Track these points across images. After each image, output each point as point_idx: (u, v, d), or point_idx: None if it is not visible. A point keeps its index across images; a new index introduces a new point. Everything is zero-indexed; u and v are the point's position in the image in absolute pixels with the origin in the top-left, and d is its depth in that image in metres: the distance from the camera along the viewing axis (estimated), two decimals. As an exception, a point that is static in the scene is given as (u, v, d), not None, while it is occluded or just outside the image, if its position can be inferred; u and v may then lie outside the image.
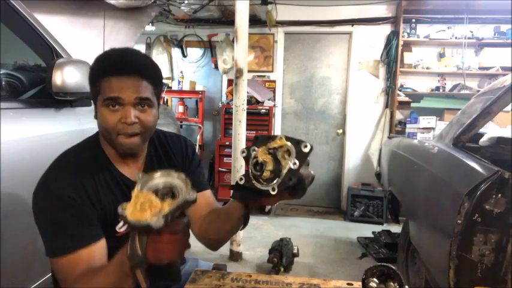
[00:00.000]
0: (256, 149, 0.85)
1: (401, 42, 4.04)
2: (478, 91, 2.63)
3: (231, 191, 0.95)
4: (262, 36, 4.46)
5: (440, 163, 1.76)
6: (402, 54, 4.11)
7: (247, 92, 3.17)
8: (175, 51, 4.76)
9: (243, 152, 0.87)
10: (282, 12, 4.28)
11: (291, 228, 3.79)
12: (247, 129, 2.99)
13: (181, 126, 4.47)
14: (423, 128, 3.51)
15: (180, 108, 4.55)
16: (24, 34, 1.49)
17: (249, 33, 2.95)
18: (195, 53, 4.77)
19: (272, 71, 4.52)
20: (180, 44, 4.70)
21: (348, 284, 0.98)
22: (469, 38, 3.96)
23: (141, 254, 0.70)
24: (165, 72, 4.66)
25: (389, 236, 3.35)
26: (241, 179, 0.86)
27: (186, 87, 4.48)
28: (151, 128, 0.98)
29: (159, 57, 4.61)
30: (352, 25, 4.28)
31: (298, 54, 4.55)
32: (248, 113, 3.05)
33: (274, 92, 4.48)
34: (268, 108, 4.17)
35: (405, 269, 2.25)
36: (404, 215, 2.46)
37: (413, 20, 4.10)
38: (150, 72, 0.96)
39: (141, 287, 0.72)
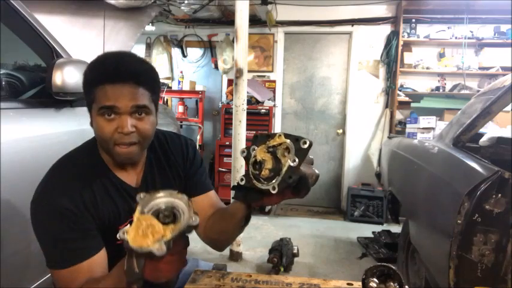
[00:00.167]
0: (255, 148, 0.84)
1: (401, 42, 4.05)
2: (478, 91, 2.63)
3: (233, 192, 0.94)
4: (262, 36, 4.46)
5: (440, 163, 1.76)
6: (402, 54, 4.11)
7: (247, 92, 3.17)
8: (175, 51, 4.76)
9: (243, 152, 0.86)
10: (282, 12, 4.28)
11: (291, 228, 3.79)
12: (247, 129, 2.99)
13: (181, 126, 4.47)
14: (423, 128, 3.51)
15: (180, 108, 4.55)
16: (24, 34, 1.49)
17: (249, 33, 2.95)
18: (195, 53, 4.77)
19: (272, 71, 4.52)
20: (180, 44, 4.70)
21: (348, 284, 0.98)
22: (469, 38, 3.97)
23: (138, 271, 0.69)
24: (165, 72, 4.66)
25: (389, 236, 3.35)
26: (241, 180, 0.85)
27: (186, 87, 4.48)
28: (149, 136, 0.95)
29: (159, 57, 4.61)
30: (352, 25, 4.28)
31: (298, 54, 4.55)
32: (248, 113, 3.05)
33: (274, 92, 4.48)
34: (268, 108, 4.17)
35: (405, 269, 2.25)
36: (404, 215, 2.46)
37: (413, 20, 4.11)
38: (147, 79, 0.93)
39: None
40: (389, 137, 3.52)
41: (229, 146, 3.30)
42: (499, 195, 1.24)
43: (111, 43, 2.44)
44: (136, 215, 0.71)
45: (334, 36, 4.45)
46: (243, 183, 0.85)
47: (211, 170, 4.36)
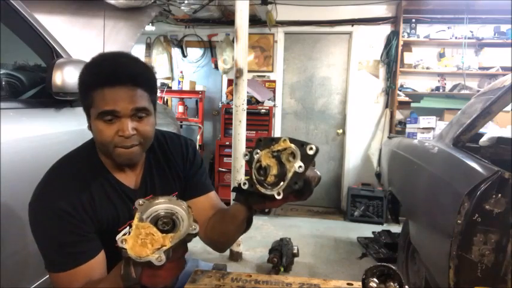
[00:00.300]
0: (259, 152, 0.83)
1: (401, 42, 4.05)
2: (478, 91, 2.63)
3: (233, 193, 0.93)
4: (262, 36, 4.46)
5: (440, 163, 1.76)
6: (402, 54, 4.11)
7: (247, 92, 3.17)
8: (175, 51, 4.76)
9: (245, 155, 0.85)
10: (282, 12, 4.28)
11: (291, 228, 3.79)
12: (247, 129, 2.99)
13: (181, 126, 4.47)
14: (423, 128, 3.51)
15: (180, 108, 4.55)
16: (24, 34, 1.49)
17: (249, 33, 2.95)
18: (195, 53, 4.77)
19: (272, 71, 4.52)
20: (180, 44, 4.70)
21: (348, 284, 0.98)
22: (469, 38, 3.96)
23: (135, 277, 0.69)
24: (165, 72, 4.66)
25: (389, 236, 3.35)
26: (244, 184, 0.84)
27: (186, 87, 4.48)
28: (150, 137, 0.94)
29: (159, 57, 4.61)
30: (352, 25, 4.28)
31: (298, 54, 4.55)
32: (248, 113, 3.05)
33: (274, 92, 4.48)
34: (268, 108, 4.17)
35: (405, 269, 2.25)
36: (404, 215, 2.46)
37: (413, 20, 4.10)
38: (145, 80, 0.91)
39: None
40: (389, 137, 3.52)
41: (229, 146, 3.30)
42: (499, 195, 1.24)
43: (111, 43, 2.44)
44: (135, 222, 0.70)
45: (334, 36, 4.45)
46: (245, 187, 0.83)
47: (211, 170, 4.36)
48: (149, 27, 4.23)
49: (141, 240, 0.67)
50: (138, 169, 1.01)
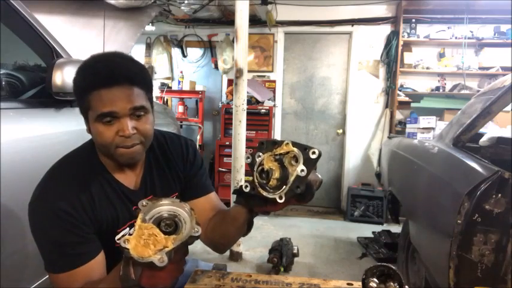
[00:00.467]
0: (261, 155, 0.83)
1: (401, 42, 4.05)
2: (478, 91, 2.63)
3: (234, 195, 0.93)
4: (262, 36, 4.46)
5: (440, 163, 1.76)
6: (402, 54, 4.11)
7: (247, 92, 3.17)
8: (175, 51, 4.76)
9: (247, 157, 0.85)
10: (282, 12, 4.28)
11: (291, 228, 3.79)
12: (247, 129, 2.99)
13: (181, 126, 4.47)
14: (423, 128, 3.51)
15: (180, 108, 4.55)
16: (24, 34, 1.49)
17: (249, 33, 2.95)
18: (195, 53, 4.77)
19: (272, 71, 4.52)
20: (180, 44, 4.70)
21: (348, 284, 0.98)
22: (469, 38, 3.96)
23: (134, 278, 0.69)
24: (165, 72, 4.66)
25: (389, 236, 3.35)
26: (246, 186, 0.84)
27: (186, 87, 4.48)
28: (150, 136, 0.94)
29: (159, 57, 4.61)
30: (352, 25, 4.28)
31: (298, 54, 4.55)
32: (248, 113, 3.05)
33: (274, 92, 4.48)
34: (268, 108, 4.17)
35: (405, 269, 2.25)
36: (404, 215, 2.46)
37: (413, 20, 4.10)
38: (141, 78, 0.91)
39: None
40: (389, 137, 3.52)
41: (229, 146, 3.30)
42: (499, 195, 1.24)
43: (111, 43, 2.44)
44: (138, 222, 0.70)
45: (334, 36, 4.45)
46: (247, 190, 0.83)
47: (211, 170, 4.36)
48: (149, 27, 4.23)
49: (143, 241, 0.68)
50: (138, 169, 1.01)
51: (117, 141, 0.88)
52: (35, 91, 1.57)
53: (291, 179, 0.77)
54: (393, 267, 0.81)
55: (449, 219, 1.34)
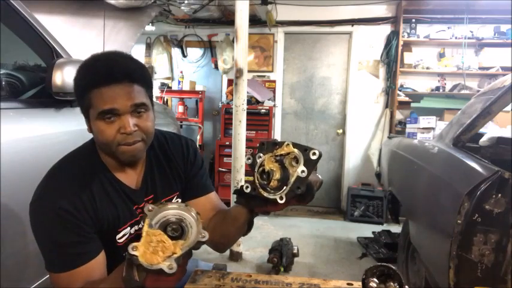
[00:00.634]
0: (262, 156, 0.83)
1: (401, 42, 4.05)
2: (478, 91, 2.63)
3: (234, 195, 0.93)
4: (262, 36, 4.46)
5: (440, 163, 1.76)
6: (402, 54, 4.11)
7: (247, 92, 3.17)
8: (175, 51, 4.76)
9: (248, 158, 0.85)
10: (282, 12, 4.28)
11: (291, 228, 3.79)
12: (247, 129, 2.99)
13: (181, 126, 4.47)
14: (423, 128, 3.51)
15: (180, 108, 4.55)
16: (24, 34, 1.49)
17: (249, 33, 2.95)
18: (195, 53, 4.77)
19: (272, 71, 4.52)
20: (180, 44, 4.70)
21: (348, 284, 0.98)
22: (469, 38, 3.97)
23: (138, 280, 0.69)
24: (165, 72, 4.66)
25: (389, 236, 3.35)
26: (247, 187, 0.84)
27: (186, 87, 4.48)
28: (151, 133, 0.94)
29: (159, 57, 4.61)
30: (352, 25, 4.28)
31: (298, 54, 4.55)
32: (248, 113, 3.05)
33: (274, 92, 4.48)
34: (268, 108, 4.17)
35: (405, 269, 2.25)
36: (404, 215, 2.46)
37: (413, 20, 4.10)
38: (140, 75, 0.91)
39: None
40: (389, 137, 3.52)
41: (229, 146, 3.30)
42: (499, 195, 1.24)
43: (111, 43, 2.44)
44: (145, 229, 0.70)
45: (334, 36, 4.45)
46: (248, 190, 0.84)
47: (211, 170, 4.36)
48: (149, 27, 4.23)
49: (152, 248, 0.68)
50: (139, 169, 1.01)
51: (118, 139, 0.88)
52: (35, 91, 1.57)
53: (292, 179, 0.78)
54: (393, 267, 0.81)
55: (449, 219, 1.34)
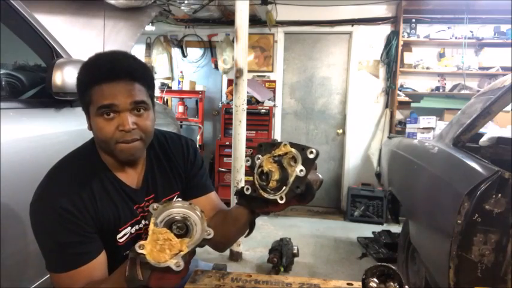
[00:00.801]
0: (260, 157, 0.83)
1: (401, 42, 4.05)
2: (478, 91, 2.63)
3: (235, 196, 0.93)
4: (262, 36, 4.46)
5: (440, 163, 1.76)
6: (402, 54, 4.11)
7: (247, 92, 3.17)
8: (175, 51, 4.76)
9: (247, 160, 0.86)
10: (282, 12, 4.28)
11: (291, 228, 3.79)
12: (247, 129, 2.99)
13: (181, 126, 4.47)
14: (423, 128, 3.51)
15: (180, 108, 4.55)
16: (24, 34, 1.49)
17: (249, 33, 2.95)
18: (195, 53, 4.77)
19: (272, 71, 4.52)
20: (180, 44, 4.70)
21: (348, 284, 0.98)
22: (469, 38, 3.97)
23: (142, 279, 0.69)
24: (165, 72, 4.66)
25: (389, 236, 3.35)
26: (247, 189, 0.85)
27: (186, 87, 4.48)
28: (150, 132, 0.94)
29: (159, 57, 4.61)
30: (352, 25, 4.28)
31: (298, 54, 4.55)
32: (248, 113, 3.05)
33: (274, 92, 4.48)
34: (268, 108, 4.17)
35: (405, 269, 2.25)
36: (404, 215, 2.46)
37: (413, 20, 4.10)
38: (142, 74, 0.92)
39: None
40: (389, 137, 3.52)
41: (229, 146, 3.30)
42: (499, 195, 1.24)
43: (111, 43, 2.44)
44: (151, 227, 0.71)
45: (334, 36, 4.45)
46: (248, 192, 0.84)
47: (211, 170, 4.36)
48: (149, 27, 4.23)
49: (159, 246, 0.68)
50: (140, 168, 1.01)
51: (117, 136, 0.88)
52: (35, 91, 1.57)
53: (291, 179, 0.78)
54: (393, 267, 0.81)
55: (449, 219, 1.34)
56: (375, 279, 0.82)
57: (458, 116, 1.98)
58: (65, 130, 1.51)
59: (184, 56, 4.74)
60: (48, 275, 0.89)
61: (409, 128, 3.77)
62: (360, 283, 0.85)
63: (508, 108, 1.78)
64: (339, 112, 4.54)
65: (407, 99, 4.14)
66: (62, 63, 1.45)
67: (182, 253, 0.69)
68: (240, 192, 0.88)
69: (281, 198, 0.79)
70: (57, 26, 2.15)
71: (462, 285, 1.30)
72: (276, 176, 0.81)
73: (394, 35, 4.11)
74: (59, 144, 1.39)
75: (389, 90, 4.23)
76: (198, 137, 4.40)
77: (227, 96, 4.47)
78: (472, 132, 1.69)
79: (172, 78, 4.74)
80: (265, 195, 0.81)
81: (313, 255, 3.14)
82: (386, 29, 4.21)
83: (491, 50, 4.01)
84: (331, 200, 4.63)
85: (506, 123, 2.59)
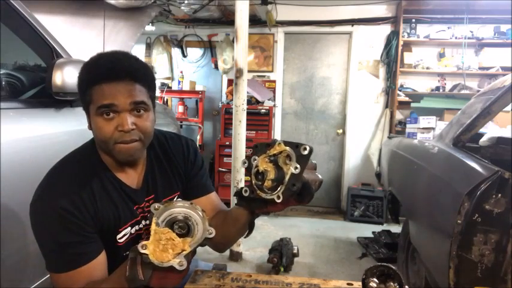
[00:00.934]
0: (256, 158, 0.84)
1: (401, 42, 4.05)
2: (478, 91, 2.63)
3: (234, 197, 0.94)
4: (262, 36, 4.46)
5: (440, 163, 1.76)
6: (402, 54, 4.11)
7: (247, 92, 3.17)
8: (175, 51, 4.76)
9: (244, 162, 0.86)
10: (282, 12, 4.28)
11: (291, 228, 3.79)
12: (247, 129, 2.99)
13: (181, 126, 4.47)
14: (423, 128, 3.51)
15: (180, 108, 4.55)
16: (24, 34, 1.49)
17: (249, 33, 2.95)
18: (195, 53, 4.77)
19: (272, 71, 4.52)
20: (180, 44, 4.70)
21: (348, 284, 0.98)
22: (469, 38, 3.97)
23: (143, 279, 0.69)
24: (165, 72, 4.66)
25: (389, 236, 3.35)
26: (245, 191, 0.85)
27: (186, 87, 4.48)
28: (150, 133, 0.94)
29: (159, 57, 4.61)
30: (352, 25, 4.28)
31: (298, 54, 4.55)
32: (248, 113, 3.05)
33: (274, 92, 4.48)
34: (268, 108, 4.17)
35: (405, 269, 2.25)
36: (404, 215, 2.46)
37: (413, 20, 4.11)
38: (143, 75, 0.92)
39: None
40: (389, 137, 3.52)
41: (229, 146, 3.30)
42: (499, 195, 1.24)
43: (111, 43, 2.44)
44: (153, 227, 0.71)
45: (334, 36, 4.45)
46: (247, 194, 0.85)
47: (211, 170, 4.36)
48: (149, 27, 4.23)
49: (162, 246, 0.69)
50: (140, 168, 1.01)
51: (116, 137, 0.88)
52: (35, 91, 1.57)
53: (287, 178, 0.79)
54: (393, 267, 0.81)
55: (449, 219, 1.34)
56: (375, 279, 0.82)
57: (458, 116, 1.98)
58: (65, 130, 1.51)
59: (184, 56, 4.74)
60: (48, 275, 0.89)
61: (409, 128, 3.77)
62: (360, 283, 0.85)
63: (508, 108, 1.78)
64: (339, 112, 4.54)
65: (407, 99, 4.14)
66: (62, 63, 1.45)
67: (185, 252, 0.69)
68: (239, 193, 0.89)
69: (278, 197, 0.79)
70: (57, 26, 2.15)
71: (462, 285, 1.30)
72: (271, 175, 0.81)
73: (394, 35, 4.11)
74: (59, 144, 1.39)
75: (390, 90, 4.23)
76: (198, 137, 4.39)
77: (227, 96, 4.47)
78: (472, 132, 1.69)
79: (172, 78, 4.74)
80: (263, 195, 0.81)
81: (313, 255, 3.14)
82: (386, 29, 4.21)
83: (491, 50, 4.01)
84: (331, 200, 4.63)
85: (506, 123, 2.59)
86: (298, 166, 0.77)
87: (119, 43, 2.50)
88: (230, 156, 3.07)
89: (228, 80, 4.58)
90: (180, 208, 0.74)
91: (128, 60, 0.91)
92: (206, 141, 4.70)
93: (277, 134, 4.52)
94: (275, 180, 0.80)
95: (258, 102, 4.20)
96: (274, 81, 4.51)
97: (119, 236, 0.95)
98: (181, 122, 4.47)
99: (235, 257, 2.96)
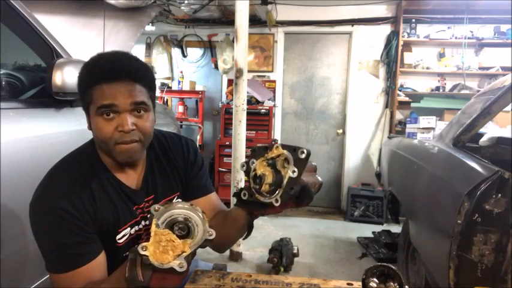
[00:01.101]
0: (254, 161, 0.84)
1: (401, 42, 4.05)
2: (478, 91, 2.63)
3: (234, 198, 0.94)
4: (262, 36, 4.46)
5: (440, 163, 1.76)
6: (402, 54, 4.11)
7: (247, 92, 3.17)
8: (175, 51, 4.76)
9: (242, 166, 0.86)
10: (282, 12, 4.28)
11: (291, 228, 3.79)
12: (247, 129, 2.99)
13: (181, 126, 4.47)
14: (423, 128, 3.51)
15: (180, 108, 4.55)
16: (24, 34, 1.49)
17: (249, 33, 2.95)
18: (195, 53, 4.77)
19: (272, 71, 4.52)
20: (180, 44, 4.70)
21: (348, 284, 0.98)
22: (469, 38, 3.97)
23: (143, 280, 0.69)
24: (165, 72, 4.66)
25: (389, 236, 3.35)
26: (244, 195, 0.85)
27: (186, 87, 4.48)
28: (150, 134, 0.93)
29: (159, 57, 4.61)
30: (352, 25, 4.28)
31: (298, 54, 4.55)
32: (248, 113, 3.05)
33: (274, 92, 4.48)
34: (268, 108, 4.17)
35: (405, 269, 2.25)
36: (404, 215, 2.46)
37: (413, 20, 4.11)
38: (143, 75, 0.92)
39: None
40: (389, 137, 3.52)
41: (229, 146, 3.30)
42: (499, 195, 1.24)
43: (111, 43, 2.44)
44: (153, 229, 0.71)
45: (334, 36, 4.45)
46: (245, 198, 0.85)
47: (211, 170, 4.36)
48: (149, 27, 4.23)
49: (162, 247, 0.68)
50: (139, 169, 1.01)
51: (116, 137, 0.88)
52: (35, 91, 1.57)
53: (285, 181, 0.78)
54: (393, 267, 0.81)
55: (449, 219, 1.34)
56: (375, 279, 0.82)
57: (458, 116, 1.98)
58: (65, 130, 1.51)
59: (184, 56, 4.74)
60: (48, 275, 0.89)
61: (409, 128, 3.77)
62: (360, 283, 0.85)
63: (508, 108, 1.78)
64: (339, 112, 4.54)
65: (407, 99, 4.14)
66: (62, 63, 1.45)
67: (185, 254, 0.69)
68: (238, 195, 0.89)
69: (276, 201, 0.79)
70: (57, 26, 2.15)
71: (462, 285, 1.30)
72: (268, 179, 0.81)
73: (394, 35, 4.11)
74: (59, 144, 1.39)
75: (390, 90, 4.23)
76: (198, 137, 4.39)
77: (227, 96, 4.47)
78: (472, 132, 1.69)
79: (172, 78, 4.74)
80: (261, 198, 0.81)
81: (313, 255, 3.14)
82: (386, 29, 4.21)
83: (491, 50, 4.01)
84: (331, 200, 4.63)
85: (506, 123, 2.60)
86: (296, 170, 0.77)
87: (119, 43, 2.50)
88: (230, 156, 3.07)
89: (228, 80, 4.58)
90: (180, 209, 0.74)
91: (128, 60, 0.91)
92: (206, 141, 4.70)
93: (277, 134, 4.52)
94: (273, 184, 0.80)
95: (258, 102, 4.20)
96: (274, 81, 4.51)
97: (118, 236, 0.95)
98: (181, 122, 4.47)
99: (235, 257, 2.96)
